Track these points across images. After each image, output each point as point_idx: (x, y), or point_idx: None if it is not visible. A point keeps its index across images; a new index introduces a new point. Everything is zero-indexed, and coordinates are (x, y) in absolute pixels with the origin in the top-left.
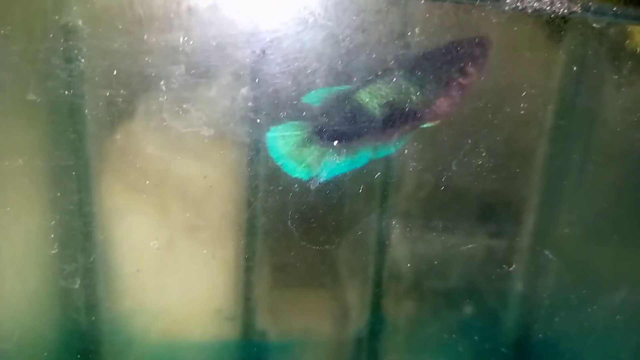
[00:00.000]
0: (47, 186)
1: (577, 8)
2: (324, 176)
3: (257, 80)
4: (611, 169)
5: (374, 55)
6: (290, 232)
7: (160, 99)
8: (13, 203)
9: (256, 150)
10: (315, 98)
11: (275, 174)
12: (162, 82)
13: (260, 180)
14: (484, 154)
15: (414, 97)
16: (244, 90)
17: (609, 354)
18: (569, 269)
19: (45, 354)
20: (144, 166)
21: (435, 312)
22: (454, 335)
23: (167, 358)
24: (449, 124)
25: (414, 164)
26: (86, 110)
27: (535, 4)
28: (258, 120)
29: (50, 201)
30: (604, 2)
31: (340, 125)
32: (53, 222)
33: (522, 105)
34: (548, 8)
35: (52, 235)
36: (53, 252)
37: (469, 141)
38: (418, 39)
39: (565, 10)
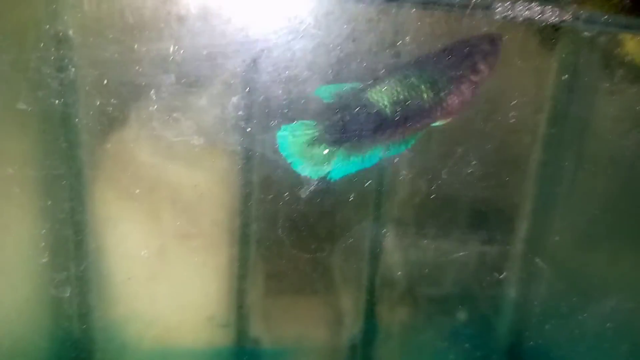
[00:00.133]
0: (37, 195)
1: (567, 17)
2: (333, 175)
3: (247, 89)
4: (603, 177)
5: (364, 64)
6: (282, 239)
7: (151, 107)
8: (3, 212)
9: (247, 159)
10: (326, 93)
11: (267, 182)
12: (152, 91)
13: (252, 189)
14: (474, 162)
15: (425, 95)
16: (235, 99)
17: None
18: (561, 276)
19: None
20: (135, 175)
21: (427, 319)
22: (445, 343)
23: None
24: (440, 131)
25: (404, 172)
26: (77, 119)
27: (525, 13)
28: (249, 129)
29: (41, 210)
30: (595, 11)
31: (351, 124)
32: (44, 231)
33: (512, 113)
34: (538, 17)
35: (43, 244)
36: (44, 260)
37: (460, 149)
38: (409, 47)
39: (556, 19)
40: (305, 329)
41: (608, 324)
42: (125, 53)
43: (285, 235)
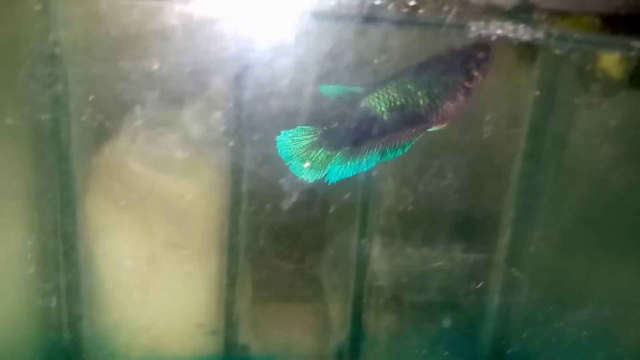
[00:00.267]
0: (25, 207)
1: (540, 35)
2: (330, 179)
3: (230, 105)
4: (578, 190)
5: (343, 82)
6: (268, 249)
7: (136, 123)
8: None
9: (231, 172)
10: (329, 90)
11: (251, 194)
12: (137, 107)
13: (237, 200)
14: (449, 175)
15: (421, 101)
16: (218, 115)
17: None
18: (538, 286)
19: None
20: (122, 187)
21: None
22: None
23: None
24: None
25: (383, 184)
26: (63, 134)
27: (498, 31)
28: (231, 144)
29: (28, 222)
30: (567, 29)
31: (348, 129)
32: (30, 242)
33: (487, 128)
34: (511, 35)
35: (30, 256)
36: (30, 271)
37: (436, 163)
38: (386, 65)
39: (528, 37)
40: (293, 336)
41: (586, 332)
42: (111, 70)
43: (270, 245)
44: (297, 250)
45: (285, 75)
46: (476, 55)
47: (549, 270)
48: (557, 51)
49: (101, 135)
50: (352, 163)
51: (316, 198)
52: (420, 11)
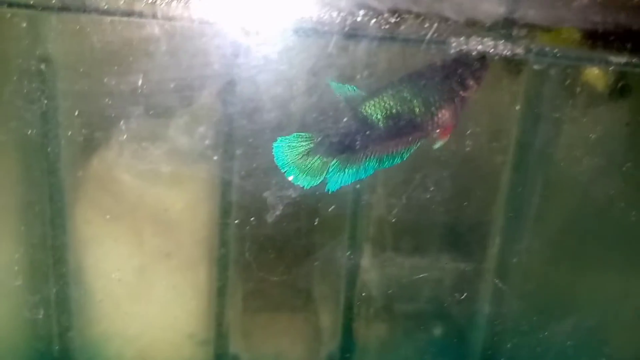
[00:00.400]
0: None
1: (519, 50)
2: (330, 187)
3: (213, 120)
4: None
5: (325, 97)
6: (258, 259)
7: (121, 138)
8: None
9: (215, 185)
10: (339, 88)
11: (236, 206)
12: (122, 122)
13: (222, 212)
14: (432, 189)
15: (417, 110)
16: (201, 130)
17: None
18: (522, 297)
19: None
20: (109, 200)
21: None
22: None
23: None
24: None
25: (366, 197)
26: (49, 149)
27: (479, 47)
28: (215, 158)
29: (15, 235)
30: (547, 44)
31: (345, 136)
32: (17, 255)
33: (468, 142)
34: (492, 50)
35: (17, 268)
36: (18, 283)
37: (418, 176)
38: (367, 81)
39: (508, 53)
40: (284, 346)
41: (573, 342)
42: (95, 86)
43: (260, 255)
44: (287, 260)
45: (267, 90)
46: (471, 65)
47: (537, 280)
48: (536, 66)
49: (88, 148)
50: (350, 170)
51: (305, 209)
52: (401, 27)
